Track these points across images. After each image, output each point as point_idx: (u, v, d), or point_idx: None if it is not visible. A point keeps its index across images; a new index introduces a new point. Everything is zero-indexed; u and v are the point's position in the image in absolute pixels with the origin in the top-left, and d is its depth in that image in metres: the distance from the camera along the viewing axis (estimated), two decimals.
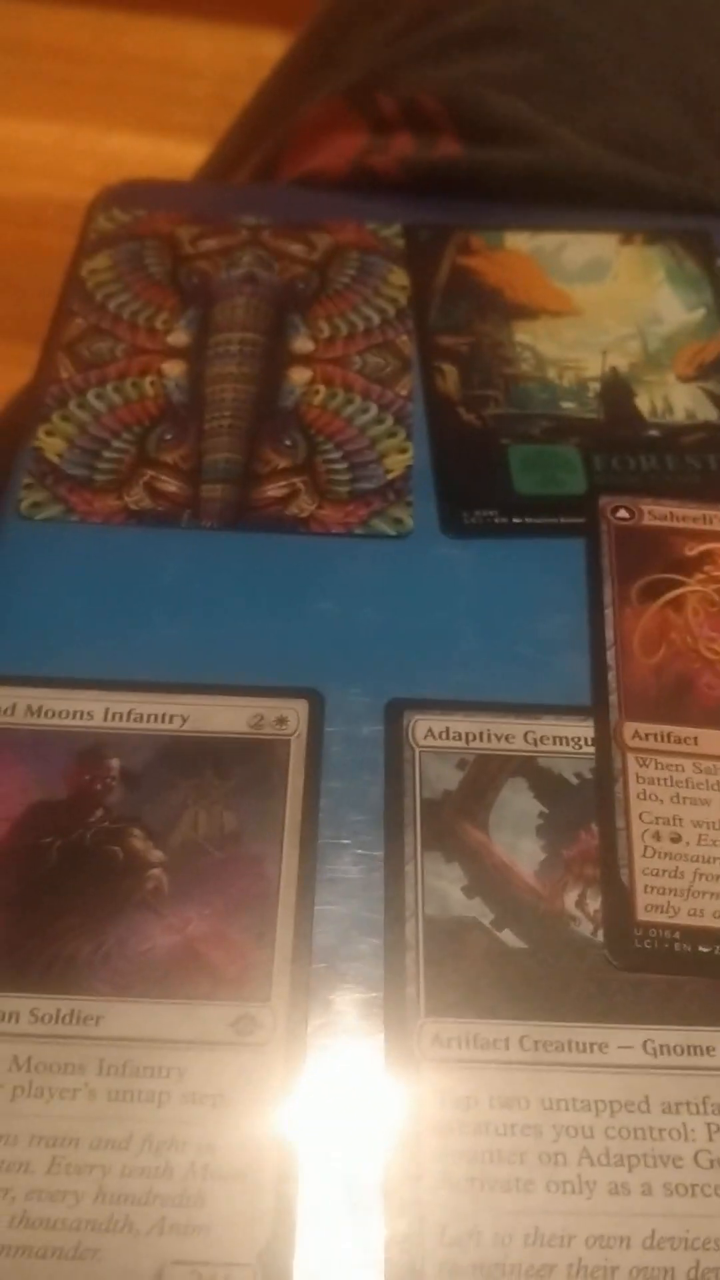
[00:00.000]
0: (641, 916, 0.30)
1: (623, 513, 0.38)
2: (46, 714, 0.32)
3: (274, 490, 0.38)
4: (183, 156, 0.66)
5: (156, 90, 1.31)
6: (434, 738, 0.33)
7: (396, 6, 0.55)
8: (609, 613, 0.35)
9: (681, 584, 0.36)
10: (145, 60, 1.36)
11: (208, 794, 0.31)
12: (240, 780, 0.31)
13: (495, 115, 0.48)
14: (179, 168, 0.64)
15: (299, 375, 0.41)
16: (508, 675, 0.34)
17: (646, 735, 0.33)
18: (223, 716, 0.32)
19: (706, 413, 0.41)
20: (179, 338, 0.42)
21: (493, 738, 0.33)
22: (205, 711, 0.32)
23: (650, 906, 0.30)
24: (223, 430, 0.39)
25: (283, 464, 0.38)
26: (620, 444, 0.40)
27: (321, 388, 0.41)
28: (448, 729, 0.33)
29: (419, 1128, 0.27)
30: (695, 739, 0.33)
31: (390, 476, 0.38)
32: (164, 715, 0.32)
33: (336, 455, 0.39)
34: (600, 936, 0.30)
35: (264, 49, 0.68)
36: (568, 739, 0.33)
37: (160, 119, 1.24)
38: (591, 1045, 0.28)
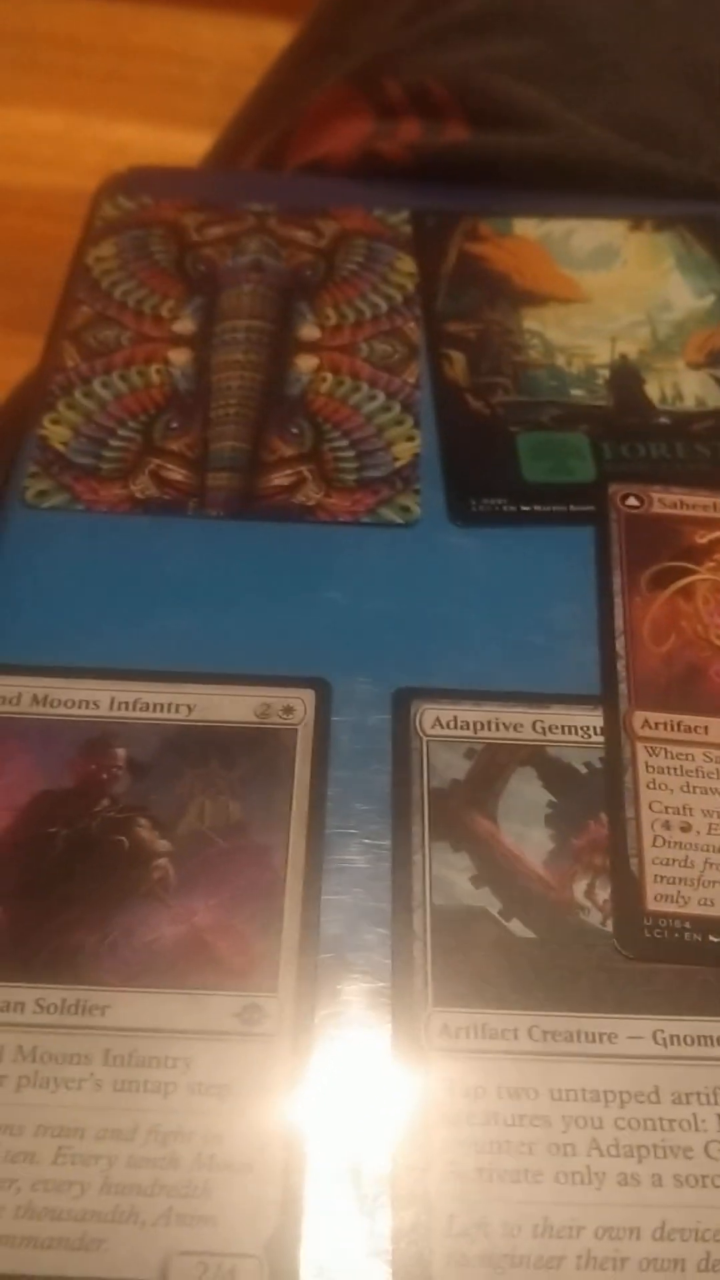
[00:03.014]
0: (651, 906, 0.30)
1: (632, 500, 0.37)
2: (52, 703, 0.32)
3: (280, 479, 0.37)
4: (189, 146, 0.65)
5: (163, 80, 1.31)
6: (442, 727, 0.33)
7: None
8: (618, 601, 0.35)
9: (692, 572, 0.36)
10: (152, 50, 1.35)
11: (214, 784, 0.31)
12: (246, 770, 0.31)
13: (503, 100, 0.48)
14: (186, 157, 0.64)
15: (305, 363, 0.41)
16: (516, 664, 0.34)
17: (656, 724, 0.33)
18: (229, 706, 0.32)
19: (717, 400, 0.41)
20: (185, 325, 0.42)
21: (501, 727, 0.33)
22: (212, 701, 0.32)
23: (660, 896, 0.30)
24: (229, 418, 0.39)
25: (289, 452, 0.38)
26: (630, 431, 0.40)
27: (328, 375, 0.40)
28: (455, 718, 0.33)
29: (426, 1118, 0.27)
30: (705, 728, 0.33)
31: (398, 464, 0.38)
32: (170, 705, 0.32)
33: (344, 443, 0.39)
34: (610, 926, 0.29)
35: (270, 38, 0.67)
36: (577, 728, 0.33)
37: (167, 108, 1.23)
38: (601, 1035, 0.28)
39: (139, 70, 1.32)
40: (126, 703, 0.32)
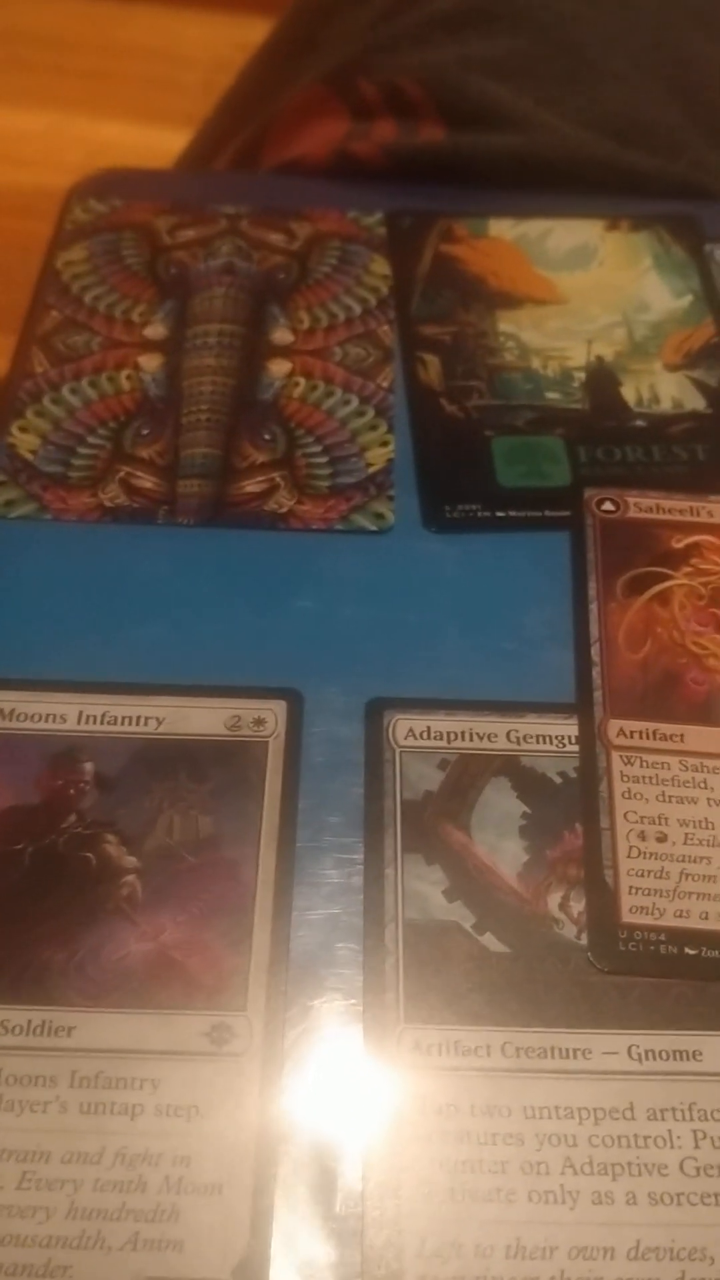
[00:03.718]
0: (626, 918, 0.29)
1: (608, 505, 0.37)
2: (19, 717, 0.31)
3: (253, 485, 0.37)
4: (173, 144, 0.65)
5: (147, 78, 1.30)
6: (415, 737, 0.32)
7: None
8: (594, 607, 0.35)
9: (668, 577, 0.36)
10: (135, 48, 1.35)
11: (183, 798, 0.30)
12: (217, 783, 0.31)
13: (478, 99, 0.48)
14: (170, 155, 0.63)
15: (278, 367, 0.40)
16: (491, 672, 0.34)
17: (631, 733, 0.32)
18: (199, 718, 0.32)
19: (694, 402, 0.40)
20: (156, 330, 0.41)
21: (475, 737, 0.32)
22: (182, 713, 0.32)
23: (635, 908, 0.30)
24: (200, 424, 0.38)
25: (262, 458, 0.38)
26: (606, 435, 0.39)
27: (301, 380, 0.40)
28: (429, 728, 0.32)
29: (399, 1137, 0.26)
30: (681, 736, 0.32)
31: (371, 470, 0.38)
32: (139, 718, 0.32)
33: (317, 449, 0.38)
34: (584, 939, 0.29)
35: (254, 36, 0.67)
36: (551, 737, 0.32)
37: (151, 107, 1.23)
38: (575, 1051, 0.28)
39: (123, 69, 1.32)
40: (94, 716, 0.32)
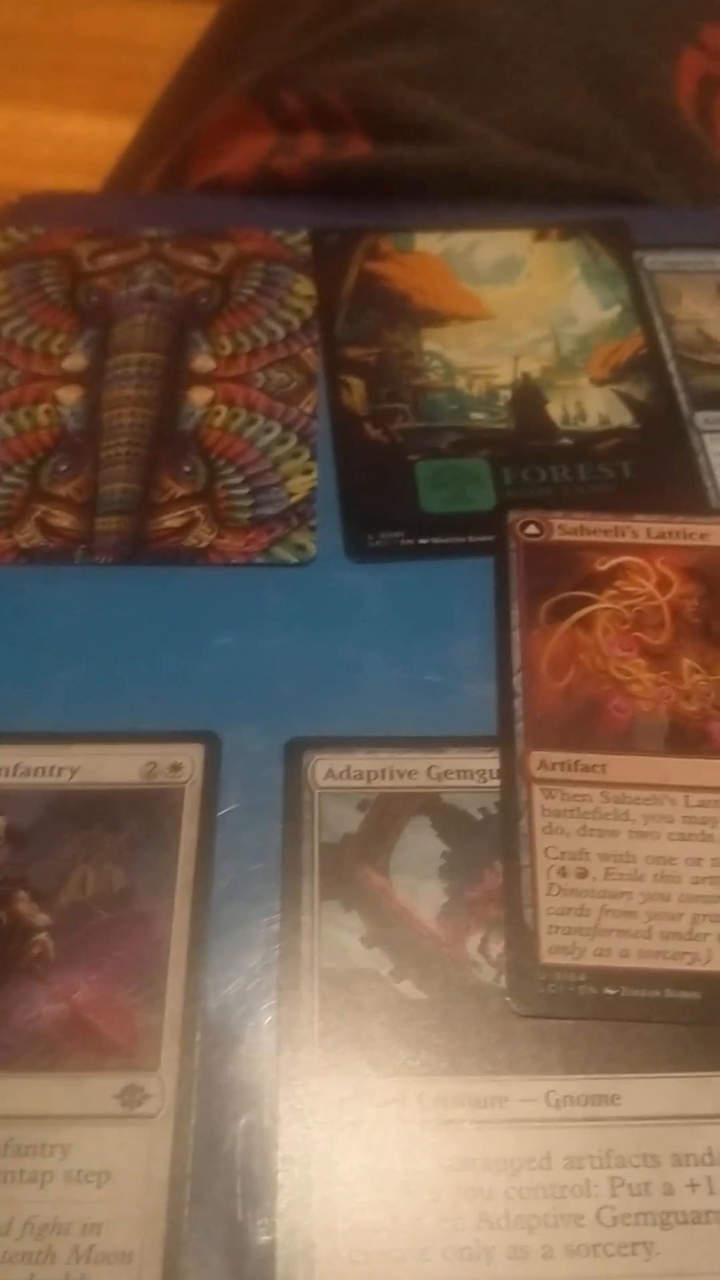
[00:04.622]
0: (546, 959, 0.29)
1: (532, 528, 0.37)
2: None
3: (172, 520, 0.36)
4: None
5: (111, 69, 1.29)
6: (334, 778, 0.32)
7: None
8: (516, 635, 0.34)
9: (592, 601, 0.35)
10: (99, 39, 1.33)
11: (98, 850, 0.30)
12: (132, 833, 0.30)
13: (403, 111, 0.47)
14: None
15: (200, 396, 0.40)
16: (415, 706, 0.33)
17: (553, 764, 0.32)
18: (114, 766, 0.31)
19: (620, 417, 0.40)
20: (76, 361, 0.41)
21: (395, 775, 0.32)
22: (96, 762, 0.31)
23: (555, 948, 0.29)
24: (120, 459, 0.38)
25: (181, 491, 0.37)
26: (531, 455, 0.39)
27: (223, 408, 0.39)
28: (349, 768, 0.32)
29: (312, 1198, 0.26)
30: (604, 766, 0.32)
31: (293, 500, 0.37)
32: (52, 768, 0.31)
33: (237, 480, 0.38)
34: (503, 982, 0.29)
35: None
36: (472, 772, 0.32)
37: (115, 98, 1.21)
38: (492, 1100, 0.27)
39: (87, 60, 1.30)
40: (6, 768, 0.31)
